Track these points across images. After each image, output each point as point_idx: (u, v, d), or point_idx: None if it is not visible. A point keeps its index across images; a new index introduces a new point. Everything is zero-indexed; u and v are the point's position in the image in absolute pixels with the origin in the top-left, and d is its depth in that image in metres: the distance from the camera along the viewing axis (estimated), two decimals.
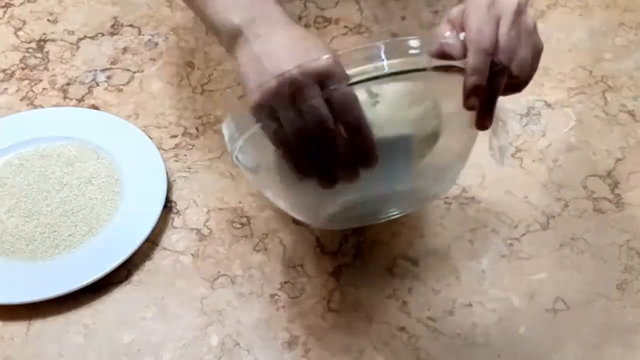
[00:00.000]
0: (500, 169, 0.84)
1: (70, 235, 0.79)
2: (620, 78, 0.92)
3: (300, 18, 1.00)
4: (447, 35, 0.61)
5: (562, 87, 0.91)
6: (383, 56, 0.59)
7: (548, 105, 0.90)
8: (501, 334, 0.73)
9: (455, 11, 0.63)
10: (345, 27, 0.99)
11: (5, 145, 0.86)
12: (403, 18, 0.99)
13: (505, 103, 0.89)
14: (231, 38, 0.66)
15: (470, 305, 0.75)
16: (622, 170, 0.84)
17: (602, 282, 0.76)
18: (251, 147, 0.63)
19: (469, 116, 0.63)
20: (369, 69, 0.59)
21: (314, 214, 0.69)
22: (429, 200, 0.76)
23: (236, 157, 0.65)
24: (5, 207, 0.81)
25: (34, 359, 0.73)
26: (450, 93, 0.62)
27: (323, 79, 0.57)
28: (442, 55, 0.60)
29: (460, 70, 0.60)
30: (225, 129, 0.65)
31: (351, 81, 0.58)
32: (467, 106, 0.60)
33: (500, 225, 0.80)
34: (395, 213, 0.73)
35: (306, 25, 0.99)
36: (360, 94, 0.59)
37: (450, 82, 0.61)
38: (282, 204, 0.70)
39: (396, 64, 0.59)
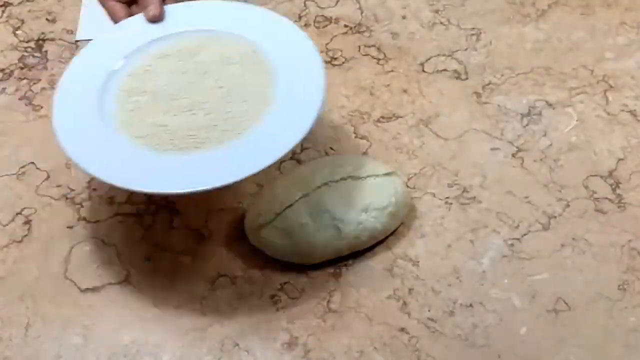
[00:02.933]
0: (501, 169, 0.84)
1: (228, 128, 0.74)
2: (621, 77, 0.92)
3: (300, 17, 1.00)
4: None
5: (563, 87, 0.91)
6: None
7: (549, 104, 0.89)
8: (502, 334, 0.73)
9: None
10: (346, 26, 0.99)
11: (167, 33, 0.83)
12: (403, 17, 0.99)
13: (506, 103, 0.90)
14: None
15: (470, 305, 0.75)
16: (623, 170, 0.84)
17: (603, 283, 0.76)
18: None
19: None
20: None
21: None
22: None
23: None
24: (163, 102, 0.77)
25: None
26: None
27: None
28: None
29: None
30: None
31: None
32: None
33: (501, 225, 0.80)
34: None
35: (306, 25, 0.99)
36: None
37: None
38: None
39: None
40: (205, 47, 0.81)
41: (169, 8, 0.84)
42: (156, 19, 0.83)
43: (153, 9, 0.82)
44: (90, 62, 0.81)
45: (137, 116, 0.76)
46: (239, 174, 0.70)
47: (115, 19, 0.84)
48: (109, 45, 0.82)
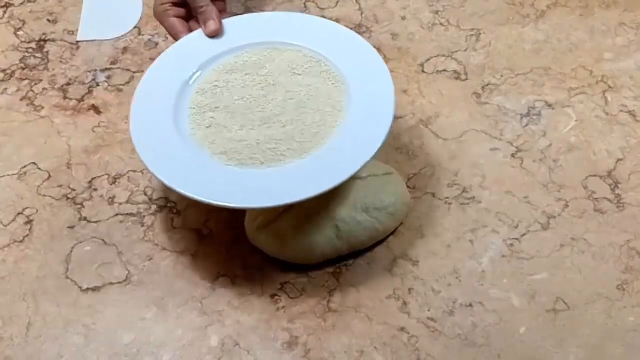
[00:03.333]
0: (501, 169, 0.84)
1: (306, 139, 0.75)
2: (620, 78, 0.92)
3: None
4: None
5: (562, 87, 0.91)
6: None
7: (548, 105, 0.89)
8: (501, 334, 0.73)
9: None
10: (346, 27, 0.99)
11: (228, 47, 0.83)
12: (403, 18, 0.99)
13: (505, 103, 0.90)
14: None
15: (470, 305, 0.75)
16: (622, 170, 0.84)
17: (602, 282, 0.76)
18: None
19: None
20: None
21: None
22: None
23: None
24: (238, 117, 0.77)
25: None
26: None
27: None
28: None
29: None
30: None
31: None
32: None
33: (501, 225, 0.80)
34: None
35: None
36: None
37: None
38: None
39: None
40: (270, 59, 0.82)
41: (226, 22, 0.84)
42: (216, 34, 0.83)
43: (212, 24, 0.83)
44: (158, 81, 0.80)
45: (214, 132, 0.76)
46: (328, 183, 0.70)
47: (176, 36, 0.84)
48: (174, 63, 0.82)
